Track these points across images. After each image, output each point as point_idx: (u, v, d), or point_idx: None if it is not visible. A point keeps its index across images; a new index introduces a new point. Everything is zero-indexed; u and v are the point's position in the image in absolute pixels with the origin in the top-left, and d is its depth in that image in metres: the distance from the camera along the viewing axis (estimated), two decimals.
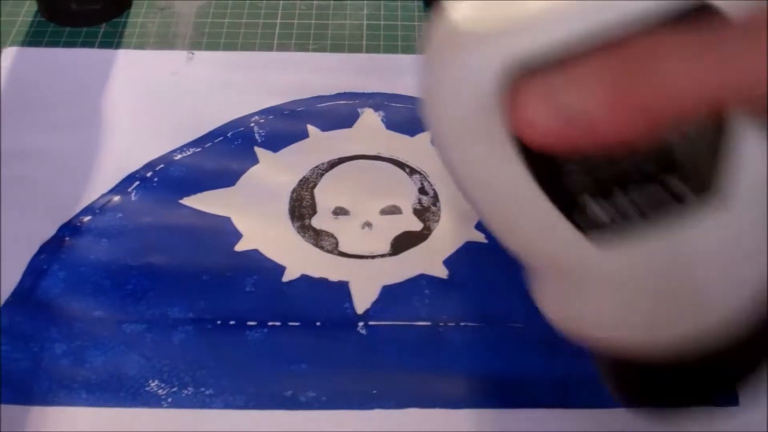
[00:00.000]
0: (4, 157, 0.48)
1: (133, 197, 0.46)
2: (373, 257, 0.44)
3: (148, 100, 0.52)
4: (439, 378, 0.39)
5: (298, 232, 0.45)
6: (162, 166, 0.48)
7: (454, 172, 0.27)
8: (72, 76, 0.53)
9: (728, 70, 0.20)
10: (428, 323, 0.41)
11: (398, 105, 0.52)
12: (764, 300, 0.26)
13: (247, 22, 0.58)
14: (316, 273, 0.43)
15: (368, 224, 0.46)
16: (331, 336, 0.41)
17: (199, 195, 0.47)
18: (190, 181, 0.47)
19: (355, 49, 0.56)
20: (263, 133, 0.50)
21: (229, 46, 0.56)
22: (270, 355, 0.40)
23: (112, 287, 0.42)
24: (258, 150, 0.49)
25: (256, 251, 0.44)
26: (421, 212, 0.46)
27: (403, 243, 0.45)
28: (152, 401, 0.38)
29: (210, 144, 0.49)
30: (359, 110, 0.52)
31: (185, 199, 0.46)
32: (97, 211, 0.46)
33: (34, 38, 0.56)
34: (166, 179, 0.47)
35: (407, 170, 0.48)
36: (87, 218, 0.45)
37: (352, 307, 0.42)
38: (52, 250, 0.44)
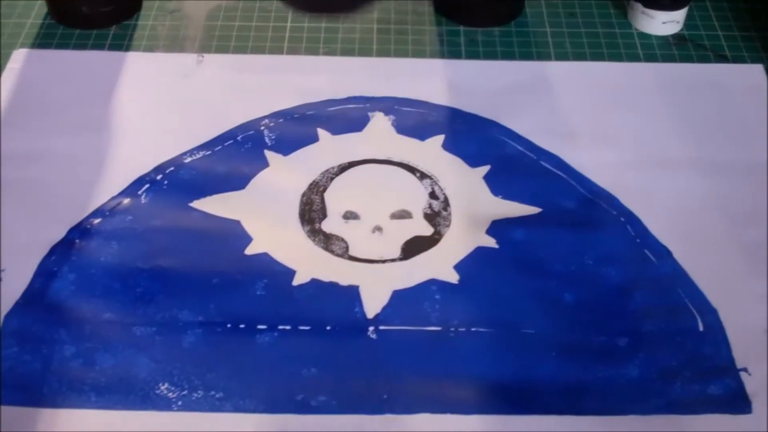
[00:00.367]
0: (14, 158, 0.48)
1: (143, 200, 0.46)
2: (383, 262, 0.44)
3: (157, 103, 0.52)
4: (449, 383, 0.39)
5: (308, 236, 0.45)
6: (172, 169, 0.48)
7: None
8: (82, 78, 0.53)
9: None
10: (439, 328, 0.41)
11: (409, 109, 0.52)
12: None
13: (257, 25, 0.58)
14: (326, 277, 0.43)
15: (378, 228, 0.45)
16: (341, 340, 0.40)
17: (209, 198, 0.47)
18: (200, 184, 0.47)
19: (365, 53, 0.56)
20: (273, 137, 0.50)
21: (239, 49, 0.56)
22: (280, 358, 0.40)
23: (121, 290, 0.42)
24: (268, 153, 0.49)
25: (266, 255, 0.44)
26: (431, 217, 0.46)
27: (413, 247, 0.44)
28: (162, 404, 0.38)
29: (220, 147, 0.49)
30: (369, 114, 0.52)
31: (195, 202, 0.46)
32: (107, 213, 0.46)
33: (44, 40, 0.56)
34: (176, 182, 0.47)
35: (417, 174, 0.48)
36: (97, 221, 0.45)
37: (362, 312, 0.42)
38: (62, 252, 0.44)
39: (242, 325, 0.41)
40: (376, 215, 0.46)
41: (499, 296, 0.42)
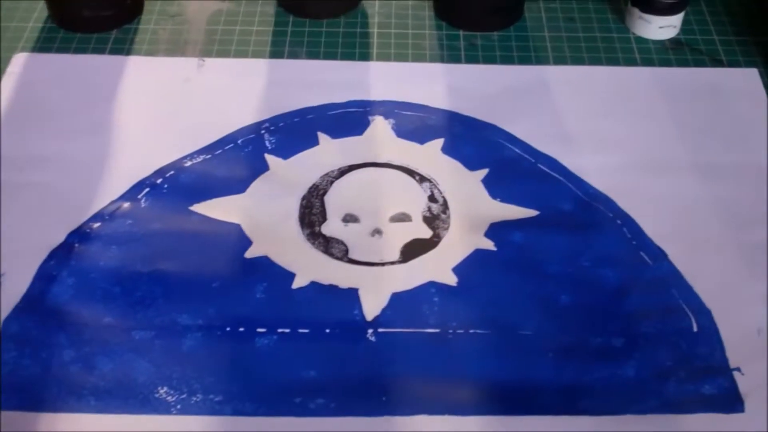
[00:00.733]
0: (14, 162, 0.49)
1: (143, 204, 0.47)
2: (382, 264, 0.44)
3: (158, 107, 0.52)
4: (448, 385, 0.39)
5: (308, 239, 0.45)
6: (172, 172, 0.48)
7: None
8: (82, 82, 0.54)
9: None
10: (437, 330, 0.41)
11: (408, 113, 0.52)
12: None
13: (258, 30, 0.58)
14: (325, 280, 0.43)
15: (378, 231, 0.46)
16: (340, 343, 0.41)
17: (209, 202, 0.47)
18: (200, 188, 0.47)
19: (365, 57, 0.56)
20: (273, 140, 0.50)
21: (240, 53, 0.56)
22: (279, 361, 0.40)
23: (121, 294, 0.42)
24: (268, 157, 0.49)
25: (265, 258, 0.44)
26: (430, 220, 0.46)
27: (412, 250, 0.45)
28: (161, 408, 0.38)
29: (220, 151, 0.50)
30: (369, 118, 0.52)
31: (195, 205, 0.47)
32: (107, 217, 0.46)
33: (44, 44, 0.56)
34: (176, 186, 0.48)
35: (417, 178, 0.48)
36: (97, 224, 0.46)
37: (361, 314, 0.42)
38: (61, 256, 0.44)
39: (242, 329, 0.41)
40: (376, 218, 0.46)
41: (497, 298, 0.43)
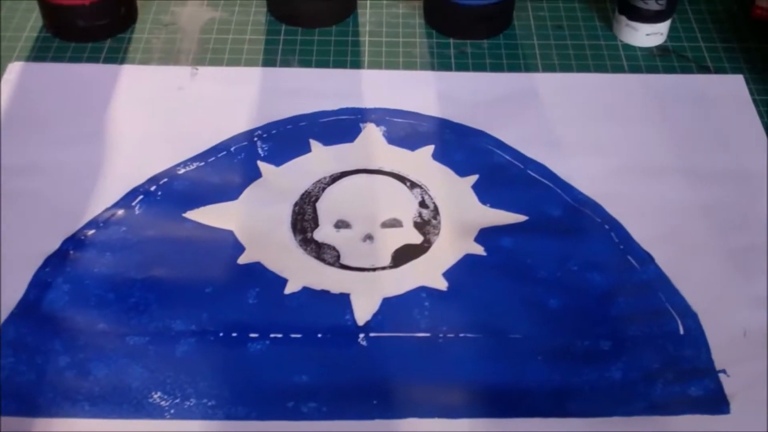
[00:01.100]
0: (8, 170, 0.49)
1: (136, 211, 0.47)
2: (374, 270, 0.44)
3: (152, 115, 0.53)
4: (438, 388, 0.40)
5: (300, 245, 0.46)
6: (166, 180, 0.49)
7: None
8: (77, 91, 0.54)
9: None
10: (428, 335, 0.42)
11: (399, 120, 0.53)
12: None
13: (251, 38, 0.58)
14: (317, 285, 0.44)
15: (369, 237, 0.46)
16: (332, 347, 0.41)
17: (202, 209, 0.47)
18: (194, 195, 0.48)
19: (356, 65, 0.56)
20: (266, 148, 0.51)
21: (233, 62, 0.57)
22: (272, 366, 0.40)
23: (115, 300, 0.43)
24: (261, 164, 0.50)
25: (258, 264, 0.45)
26: (421, 225, 0.47)
27: (403, 255, 0.45)
28: (155, 413, 0.39)
29: (213, 158, 0.50)
30: (361, 125, 0.52)
31: (188, 212, 0.47)
32: (101, 224, 0.46)
33: (39, 53, 0.57)
34: (169, 193, 0.48)
35: (408, 184, 0.49)
36: (91, 232, 0.46)
37: (353, 319, 0.42)
38: (56, 263, 0.44)
39: (234, 334, 0.41)
40: (367, 224, 0.47)
41: (486, 302, 0.43)
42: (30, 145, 0.50)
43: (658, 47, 0.59)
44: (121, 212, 0.47)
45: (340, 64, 0.56)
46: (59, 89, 0.54)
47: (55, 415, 0.38)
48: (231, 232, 0.46)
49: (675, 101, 0.54)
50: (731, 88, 0.55)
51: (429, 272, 0.44)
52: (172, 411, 0.39)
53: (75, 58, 0.56)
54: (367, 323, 0.42)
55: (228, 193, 0.48)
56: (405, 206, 0.48)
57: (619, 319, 0.42)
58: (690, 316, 0.42)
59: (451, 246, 0.46)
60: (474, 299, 0.43)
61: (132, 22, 0.59)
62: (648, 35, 0.58)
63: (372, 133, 0.52)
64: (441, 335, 0.42)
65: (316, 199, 0.48)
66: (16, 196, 0.47)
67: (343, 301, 0.43)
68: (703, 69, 0.57)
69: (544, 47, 0.58)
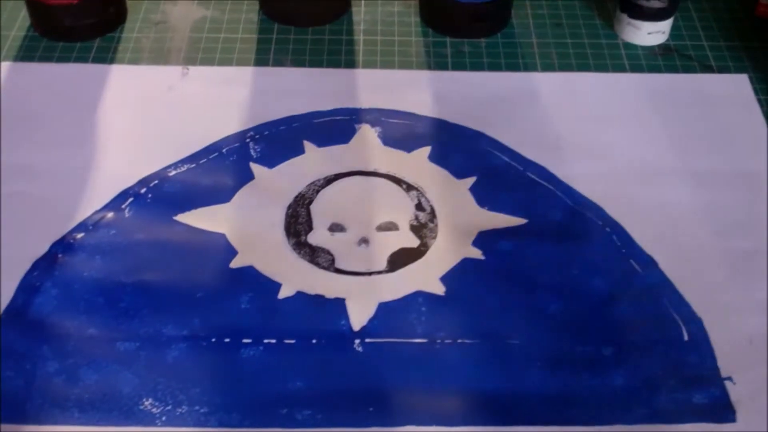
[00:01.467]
0: None
1: (126, 214, 0.46)
2: (369, 274, 0.44)
3: (142, 116, 0.52)
4: (436, 395, 0.39)
5: (294, 249, 0.45)
6: (156, 182, 0.48)
7: None
8: (65, 91, 0.53)
9: None
10: (425, 340, 0.41)
11: (395, 121, 0.52)
12: None
13: (243, 37, 0.58)
14: (311, 290, 0.43)
15: (365, 241, 0.45)
16: (327, 353, 0.40)
17: (193, 211, 0.46)
18: (185, 198, 0.47)
19: (351, 64, 0.56)
20: (259, 149, 0.50)
21: (225, 62, 0.56)
22: (265, 372, 0.40)
23: (105, 305, 0.42)
24: (253, 166, 0.49)
25: (251, 268, 0.44)
26: (417, 229, 0.46)
27: (399, 260, 0.44)
28: (146, 420, 0.38)
29: (205, 160, 0.49)
30: (356, 126, 0.52)
31: (179, 215, 0.46)
32: (91, 227, 0.45)
33: (27, 53, 0.56)
34: (160, 195, 0.47)
35: (404, 186, 0.48)
36: (80, 235, 0.45)
37: (348, 324, 0.41)
38: (44, 267, 0.43)
39: (227, 339, 0.41)
40: (363, 227, 0.46)
41: (485, 307, 0.42)
42: (17, 147, 0.50)
43: (661, 46, 0.58)
44: (110, 215, 0.46)
45: (334, 64, 0.56)
46: (47, 90, 0.53)
47: (43, 422, 0.38)
48: (223, 236, 0.45)
49: (677, 101, 0.54)
50: (735, 88, 0.55)
51: (426, 277, 0.44)
52: (163, 418, 0.38)
53: (63, 58, 0.56)
54: (363, 328, 0.41)
55: (220, 195, 0.47)
56: (401, 209, 0.47)
57: (621, 324, 0.42)
58: (694, 322, 0.42)
59: (449, 250, 0.45)
60: (472, 304, 0.42)
61: (121, 21, 0.58)
62: (650, 34, 0.57)
63: (367, 134, 0.51)
64: (438, 341, 0.41)
65: (310, 202, 0.47)
66: (3, 198, 0.47)
67: (338, 306, 0.42)
68: (706, 68, 0.56)
69: (543, 46, 0.58)
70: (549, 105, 0.53)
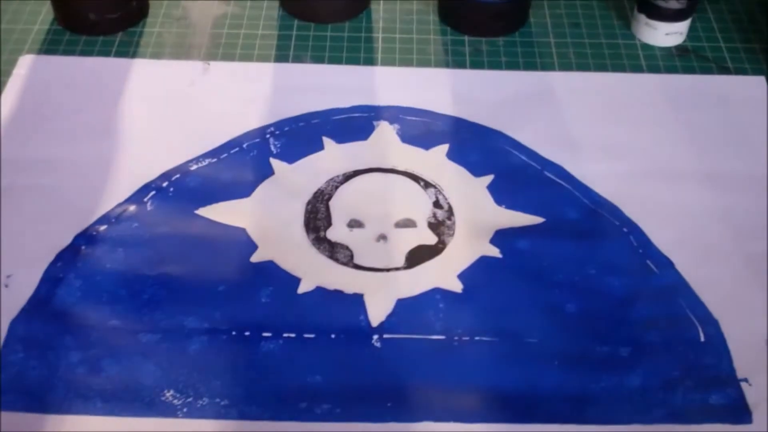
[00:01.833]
0: (20, 165, 0.48)
1: (148, 207, 0.47)
2: (387, 270, 0.44)
3: (164, 110, 0.52)
4: (453, 392, 0.39)
5: (313, 244, 0.45)
6: (178, 176, 0.48)
7: None
8: (88, 84, 0.53)
9: None
10: (443, 337, 0.41)
11: (413, 118, 0.52)
12: None
13: (263, 33, 0.58)
14: (331, 285, 0.43)
15: (383, 237, 0.46)
16: (345, 348, 0.41)
17: (214, 206, 0.47)
18: (206, 192, 0.47)
19: (370, 61, 0.56)
20: (279, 145, 0.50)
21: (245, 57, 0.56)
22: (285, 366, 0.40)
23: (127, 297, 0.42)
24: (273, 161, 0.49)
25: (271, 263, 0.44)
26: (435, 226, 0.46)
27: (417, 256, 0.45)
28: (167, 411, 0.38)
29: (226, 155, 0.50)
30: (374, 123, 0.52)
31: (201, 209, 0.47)
32: (113, 220, 0.46)
33: (50, 46, 0.56)
34: (181, 189, 0.47)
35: (422, 183, 0.48)
36: (103, 227, 0.46)
37: (366, 320, 0.42)
38: (68, 258, 0.44)
39: (247, 333, 0.41)
40: (381, 224, 0.46)
41: (502, 305, 0.42)
42: (41, 139, 0.50)
43: (678, 47, 0.58)
44: (133, 208, 0.46)
45: (353, 61, 0.56)
46: (70, 83, 0.54)
47: (66, 411, 0.38)
48: (243, 230, 0.46)
49: (694, 102, 0.54)
50: (752, 90, 0.55)
51: (443, 274, 0.44)
52: (184, 410, 0.38)
53: (86, 52, 0.56)
54: (381, 324, 0.42)
55: (240, 190, 0.48)
56: (419, 206, 0.47)
57: (638, 324, 0.42)
58: (711, 323, 0.42)
59: (466, 247, 0.45)
60: (489, 302, 0.43)
61: (143, 15, 0.59)
62: (667, 35, 0.57)
63: (385, 132, 0.51)
64: (456, 338, 0.41)
65: (329, 198, 0.47)
66: (26, 190, 0.47)
67: (356, 301, 0.43)
68: (724, 70, 0.56)
69: (560, 46, 0.58)
70: (566, 104, 0.53)
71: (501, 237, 0.46)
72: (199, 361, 0.40)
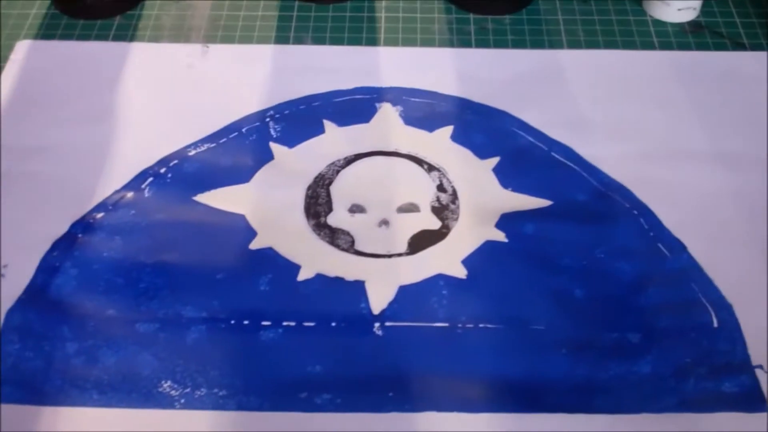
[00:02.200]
0: (16, 151, 0.48)
1: (146, 193, 0.46)
2: (389, 256, 0.43)
3: (162, 94, 0.51)
4: (457, 381, 0.38)
5: (314, 230, 0.44)
6: (176, 161, 0.47)
7: None
8: (85, 69, 0.53)
9: None
10: (446, 324, 0.40)
11: (417, 99, 0.51)
12: None
13: (263, 15, 0.57)
14: (331, 272, 0.42)
15: (385, 222, 0.45)
16: (346, 337, 0.40)
17: (213, 192, 0.46)
18: (204, 178, 0.47)
19: (372, 42, 0.55)
20: (279, 129, 0.49)
21: (245, 40, 0.55)
22: (284, 355, 0.39)
23: (124, 285, 0.42)
24: (273, 146, 0.48)
25: (270, 249, 0.43)
26: (439, 210, 0.45)
27: (420, 242, 0.44)
28: (165, 402, 0.38)
29: (225, 139, 0.49)
30: (377, 105, 0.51)
31: (199, 195, 0.46)
32: (110, 207, 0.45)
33: (47, 31, 0.56)
34: (179, 175, 0.47)
35: (425, 167, 0.47)
36: (100, 215, 0.45)
37: (368, 308, 0.41)
38: (64, 247, 0.43)
39: (246, 321, 0.40)
40: (383, 209, 0.45)
41: (508, 291, 0.42)
42: (38, 125, 0.49)
43: (691, 23, 0.56)
44: (130, 195, 0.46)
45: (355, 41, 0.55)
46: (67, 68, 0.53)
47: (62, 403, 0.38)
48: (243, 217, 0.45)
49: (708, 80, 0.52)
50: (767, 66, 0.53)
51: (447, 259, 0.43)
52: (182, 401, 0.38)
53: (83, 36, 0.55)
54: (383, 312, 0.41)
55: (239, 175, 0.47)
56: (422, 190, 0.46)
57: (649, 310, 0.41)
58: (724, 308, 0.41)
59: (471, 232, 0.44)
60: (494, 288, 0.42)
61: None
62: (680, 10, 0.56)
63: (388, 114, 0.50)
64: (460, 325, 0.40)
65: (330, 183, 0.46)
66: (22, 177, 0.47)
67: (357, 288, 0.42)
68: (738, 46, 0.55)
69: (569, 23, 0.56)
70: (575, 83, 0.52)
71: (507, 221, 0.45)
72: (197, 350, 0.39)
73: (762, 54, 0.54)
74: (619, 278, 0.42)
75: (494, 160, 0.48)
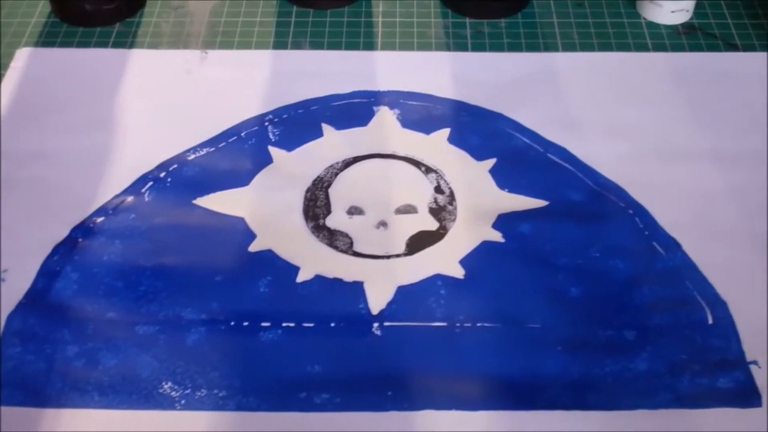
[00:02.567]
0: (16, 157, 0.48)
1: (146, 198, 0.46)
2: (388, 257, 0.43)
3: (161, 100, 0.52)
4: (455, 379, 0.38)
5: (312, 232, 0.45)
6: (175, 166, 0.48)
7: None
8: (85, 76, 0.53)
9: None
10: (444, 324, 0.41)
11: (414, 103, 0.51)
12: None
13: (262, 21, 0.57)
14: (330, 273, 0.43)
15: (383, 224, 0.45)
16: (345, 337, 0.40)
17: (212, 195, 0.46)
18: (204, 181, 0.47)
19: (369, 46, 0.55)
20: (277, 132, 0.50)
21: (243, 45, 0.55)
22: (284, 356, 0.39)
23: (125, 288, 0.42)
24: (272, 149, 0.49)
25: (269, 251, 0.44)
26: (436, 211, 0.46)
27: (418, 242, 0.44)
28: (165, 403, 0.38)
29: (224, 143, 0.49)
30: (374, 108, 0.51)
31: (198, 199, 0.46)
32: (110, 211, 0.46)
33: (47, 38, 0.56)
34: (179, 179, 0.47)
35: (423, 169, 0.48)
36: (100, 219, 0.45)
37: (366, 308, 0.41)
38: (65, 251, 0.44)
39: (246, 323, 0.41)
40: (381, 210, 0.45)
41: (505, 291, 0.42)
42: (38, 132, 0.50)
43: (684, 25, 0.57)
44: (130, 199, 0.46)
45: (352, 46, 0.55)
46: (67, 75, 0.53)
47: (63, 405, 0.38)
48: (242, 219, 0.45)
49: (701, 80, 0.53)
50: (760, 67, 0.53)
51: (445, 260, 0.43)
52: (182, 402, 0.38)
53: (83, 43, 0.56)
54: (382, 312, 0.41)
55: (239, 179, 0.47)
56: (420, 192, 0.46)
57: (644, 307, 0.41)
58: (719, 305, 0.41)
59: (468, 232, 0.44)
60: (492, 287, 0.42)
61: (141, 5, 0.58)
62: (673, 12, 0.56)
63: (386, 117, 0.51)
64: (458, 325, 0.40)
65: (329, 185, 0.47)
66: (23, 183, 0.47)
67: (356, 289, 0.42)
68: (731, 47, 0.55)
69: (564, 26, 0.57)
70: (570, 85, 0.52)
71: (503, 221, 0.45)
72: (197, 352, 0.40)
73: (755, 55, 0.54)
74: (614, 276, 0.42)
75: (491, 162, 0.48)
